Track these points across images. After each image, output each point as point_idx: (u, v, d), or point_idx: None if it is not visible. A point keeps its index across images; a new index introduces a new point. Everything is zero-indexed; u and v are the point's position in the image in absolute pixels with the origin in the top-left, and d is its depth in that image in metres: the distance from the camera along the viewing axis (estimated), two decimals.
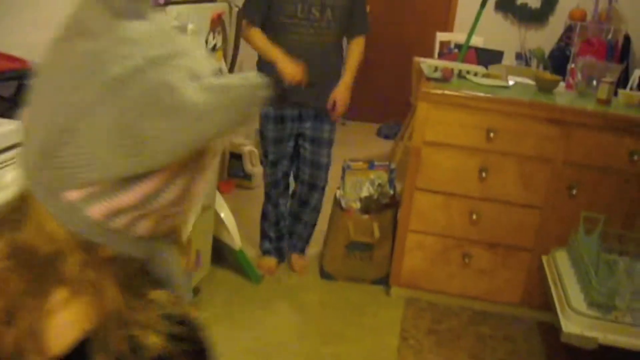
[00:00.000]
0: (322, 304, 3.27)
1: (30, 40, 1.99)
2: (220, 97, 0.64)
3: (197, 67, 0.67)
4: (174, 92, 0.62)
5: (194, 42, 0.72)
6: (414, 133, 3.14)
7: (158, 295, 0.75)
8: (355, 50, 3.20)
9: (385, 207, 3.37)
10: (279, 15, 2.94)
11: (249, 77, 0.67)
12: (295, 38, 2.98)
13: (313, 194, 3.35)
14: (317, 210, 3.44)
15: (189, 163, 0.68)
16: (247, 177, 4.49)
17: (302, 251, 3.53)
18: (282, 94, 2.92)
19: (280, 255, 3.50)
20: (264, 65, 3.02)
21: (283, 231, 3.48)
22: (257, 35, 3.00)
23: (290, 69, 2.92)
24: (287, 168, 3.32)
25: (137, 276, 0.74)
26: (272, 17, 2.97)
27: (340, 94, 3.11)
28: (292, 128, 3.19)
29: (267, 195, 3.39)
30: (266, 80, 0.67)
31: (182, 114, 0.62)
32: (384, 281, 3.36)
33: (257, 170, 4.46)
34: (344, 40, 3.22)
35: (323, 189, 3.36)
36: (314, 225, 3.49)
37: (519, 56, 5.86)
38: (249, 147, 4.52)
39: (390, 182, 3.43)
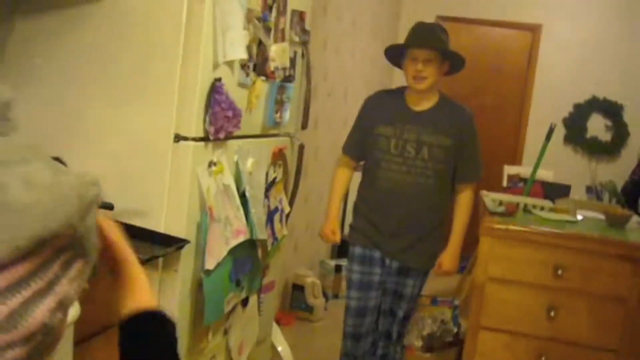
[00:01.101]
0: None
1: (94, 172, 2.08)
2: (44, 194, 0.69)
3: (32, 173, 0.71)
4: (2, 191, 0.68)
5: (37, 154, 0.77)
6: (477, 268, 3.04)
7: None
8: (461, 204, 2.92)
9: (449, 345, 3.22)
10: (373, 150, 2.82)
11: (81, 175, 0.75)
12: (387, 176, 2.80)
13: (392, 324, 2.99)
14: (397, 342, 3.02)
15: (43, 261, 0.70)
16: (309, 309, 4.42)
17: None
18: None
19: None
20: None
21: None
22: (337, 175, 2.97)
23: (325, 229, 2.91)
24: (371, 323, 2.96)
25: None
26: (369, 151, 2.86)
27: (448, 263, 2.90)
28: (381, 274, 2.89)
29: (345, 354, 3.01)
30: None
31: (6, 210, 0.67)
32: None
33: (319, 302, 4.39)
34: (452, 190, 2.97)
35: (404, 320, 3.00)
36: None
37: (589, 190, 5.73)
38: (312, 279, 4.48)
39: (454, 319, 3.31)
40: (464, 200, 2.90)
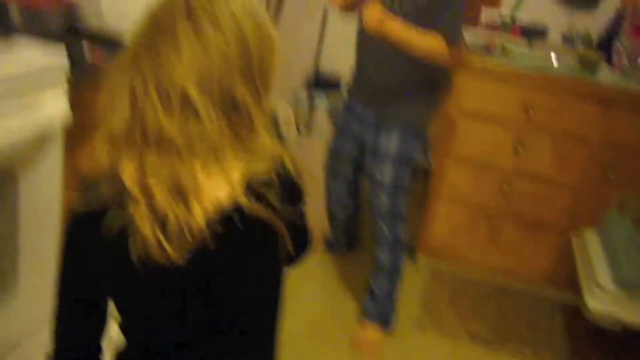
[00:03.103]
0: (344, 268, 3.29)
1: None
2: None
3: None
4: None
5: None
6: (451, 102, 3.12)
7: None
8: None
9: (419, 176, 3.36)
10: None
11: None
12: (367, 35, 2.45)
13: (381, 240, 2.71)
14: (390, 271, 2.73)
15: None
16: (282, 141, 4.50)
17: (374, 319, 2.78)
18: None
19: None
20: None
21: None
22: None
23: None
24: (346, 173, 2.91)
25: None
26: None
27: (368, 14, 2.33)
28: (359, 127, 2.73)
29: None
30: None
31: None
32: (412, 250, 3.37)
33: (291, 134, 4.47)
34: None
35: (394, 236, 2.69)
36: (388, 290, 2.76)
37: (565, 38, 5.76)
38: (286, 110, 4.52)
39: (426, 153, 3.42)
40: (434, 39, 2.37)
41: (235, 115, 1.02)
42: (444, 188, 3.18)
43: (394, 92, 2.58)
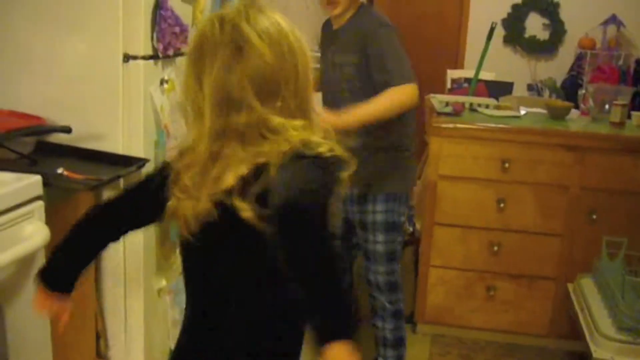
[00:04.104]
0: None
1: (46, 99, 2.07)
2: None
3: None
4: None
5: None
6: (428, 168, 3.15)
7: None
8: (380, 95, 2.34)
9: (405, 244, 3.36)
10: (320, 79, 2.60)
11: None
12: (327, 102, 2.56)
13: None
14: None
15: None
16: None
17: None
18: None
19: None
20: None
21: None
22: None
23: None
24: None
25: None
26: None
27: (332, 116, 2.20)
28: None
29: None
30: None
31: None
32: (409, 319, 3.33)
33: None
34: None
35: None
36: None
37: (530, 87, 5.88)
38: None
39: (410, 219, 3.43)
40: (384, 94, 2.32)
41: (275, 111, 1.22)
42: (433, 252, 3.17)
43: (365, 159, 2.32)
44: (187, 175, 1.26)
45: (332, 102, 2.49)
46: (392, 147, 2.55)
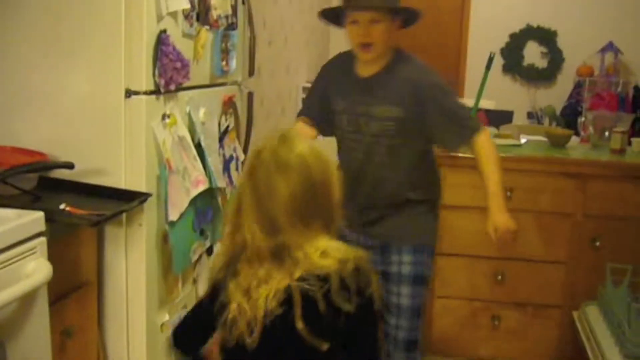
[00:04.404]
0: None
1: (48, 135, 2.08)
2: None
3: None
4: None
5: None
6: None
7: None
8: (481, 160, 2.31)
9: None
10: (334, 129, 2.42)
11: None
12: (348, 157, 2.36)
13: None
14: None
15: None
16: None
17: None
18: None
19: None
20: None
21: None
22: (296, 125, 2.46)
23: None
24: None
25: None
26: (334, 130, 2.44)
27: (499, 220, 2.27)
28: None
29: None
30: None
31: None
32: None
33: None
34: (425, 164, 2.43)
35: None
36: None
37: (530, 115, 5.92)
38: None
39: None
40: (480, 153, 2.30)
41: (306, 229, 1.53)
42: (438, 283, 3.16)
43: (396, 205, 2.35)
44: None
45: (364, 155, 2.31)
46: (429, 199, 2.44)
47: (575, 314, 2.97)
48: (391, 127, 2.25)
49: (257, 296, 1.49)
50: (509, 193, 3.00)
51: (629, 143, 3.30)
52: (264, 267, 1.52)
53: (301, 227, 1.51)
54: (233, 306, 1.51)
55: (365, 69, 2.30)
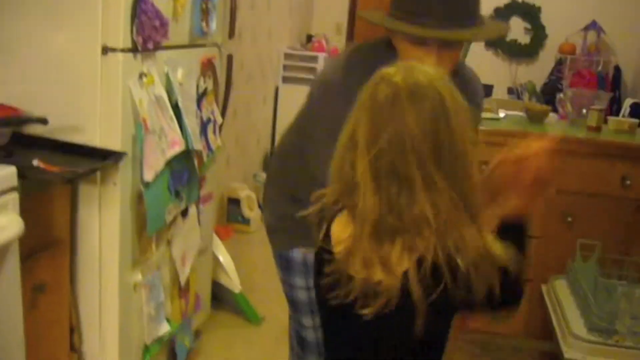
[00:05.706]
0: None
1: (22, 90, 2.05)
2: None
3: None
4: None
5: None
6: None
7: None
8: None
9: None
10: None
11: None
12: None
13: None
14: None
15: None
16: (246, 221, 4.51)
17: None
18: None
19: None
20: None
21: None
22: None
23: None
24: None
25: None
26: None
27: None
28: None
29: None
30: None
31: None
32: None
33: (254, 214, 4.48)
34: None
35: None
36: None
37: (510, 91, 5.94)
38: (247, 192, 4.55)
39: None
40: None
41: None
42: None
43: None
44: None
45: None
46: None
47: (544, 288, 3.01)
48: None
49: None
50: (483, 166, 3.02)
51: (606, 121, 3.33)
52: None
53: None
54: None
55: None
